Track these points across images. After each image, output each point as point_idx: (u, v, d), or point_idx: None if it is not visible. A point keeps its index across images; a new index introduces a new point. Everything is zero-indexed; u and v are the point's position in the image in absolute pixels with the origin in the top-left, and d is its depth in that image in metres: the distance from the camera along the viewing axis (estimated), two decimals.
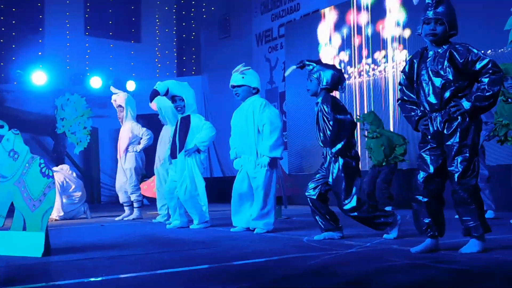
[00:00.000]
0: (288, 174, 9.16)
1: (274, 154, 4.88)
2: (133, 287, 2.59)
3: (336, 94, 4.95)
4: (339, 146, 4.11)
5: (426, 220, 3.35)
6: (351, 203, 4.08)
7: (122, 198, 7.41)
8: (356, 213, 4.10)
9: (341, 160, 4.12)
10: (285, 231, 4.98)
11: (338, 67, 4.37)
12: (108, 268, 3.14)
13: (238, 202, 5.07)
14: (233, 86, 5.12)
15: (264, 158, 4.86)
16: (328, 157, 4.18)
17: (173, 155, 5.67)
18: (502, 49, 7.10)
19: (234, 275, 2.83)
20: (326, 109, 4.14)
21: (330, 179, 4.16)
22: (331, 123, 4.10)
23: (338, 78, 4.23)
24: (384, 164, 7.89)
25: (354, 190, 4.11)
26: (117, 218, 7.29)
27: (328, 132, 4.13)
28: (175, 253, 3.77)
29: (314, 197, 4.23)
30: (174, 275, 2.86)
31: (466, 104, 3.20)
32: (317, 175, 4.27)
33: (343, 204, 4.11)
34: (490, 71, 3.17)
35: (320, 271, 2.81)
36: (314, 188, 4.24)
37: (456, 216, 3.37)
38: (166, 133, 6.57)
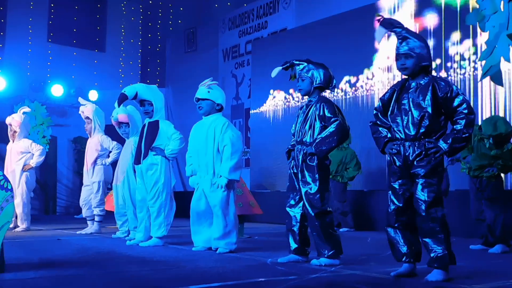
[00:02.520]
0: (250, 191, 9.06)
1: (233, 176, 4.81)
2: None
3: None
4: (324, 148, 3.99)
5: (402, 249, 3.42)
6: (322, 207, 3.97)
7: (85, 212, 7.18)
8: (320, 221, 3.98)
9: (316, 162, 4.01)
10: (248, 251, 4.91)
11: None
12: None
13: (197, 221, 4.96)
14: (198, 99, 5.02)
15: (222, 179, 4.76)
16: (301, 157, 4.07)
17: (137, 161, 5.46)
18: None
19: None
20: (325, 110, 4.06)
21: (302, 177, 4.04)
22: (333, 126, 3.99)
23: (330, 77, 4.22)
24: None
25: (326, 195, 4.03)
26: (80, 232, 7.05)
27: (322, 134, 4.00)
28: (135, 273, 3.67)
29: (299, 213, 4.10)
30: None
31: (443, 146, 3.31)
32: (294, 188, 4.14)
33: (313, 206, 3.98)
34: (465, 111, 3.30)
35: None
36: (297, 203, 4.12)
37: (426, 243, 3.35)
38: (130, 147, 6.33)
